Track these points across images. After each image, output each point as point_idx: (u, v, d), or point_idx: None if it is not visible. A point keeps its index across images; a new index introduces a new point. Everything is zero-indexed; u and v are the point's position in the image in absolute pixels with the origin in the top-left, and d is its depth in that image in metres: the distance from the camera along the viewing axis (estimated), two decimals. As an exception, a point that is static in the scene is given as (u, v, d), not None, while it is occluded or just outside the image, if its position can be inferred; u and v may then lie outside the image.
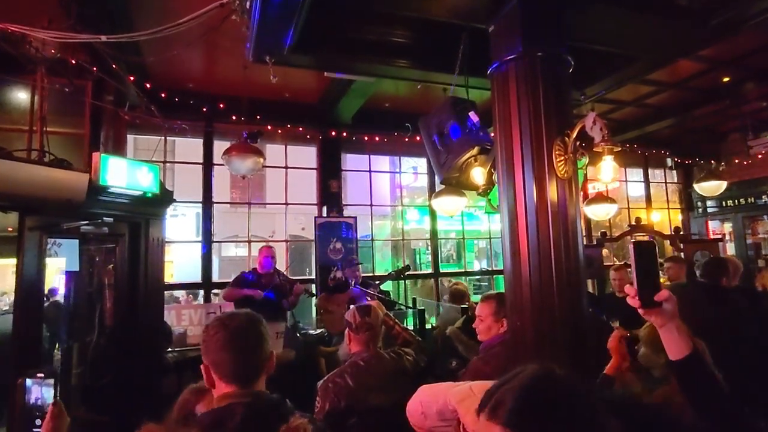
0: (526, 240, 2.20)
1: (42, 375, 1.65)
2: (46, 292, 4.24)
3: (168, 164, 6.48)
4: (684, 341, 1.14)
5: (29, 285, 2.68)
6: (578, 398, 0.89)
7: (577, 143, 2.17)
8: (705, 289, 2.96)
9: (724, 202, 7.78)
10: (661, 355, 1.89)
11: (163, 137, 5.63)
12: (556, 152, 2.17)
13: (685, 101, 6.31)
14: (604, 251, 7.29)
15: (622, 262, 7.49)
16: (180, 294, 9.29)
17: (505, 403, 0.87)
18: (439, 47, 2.95)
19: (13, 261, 2.75)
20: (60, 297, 3.76)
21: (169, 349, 4.54)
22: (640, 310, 1.13)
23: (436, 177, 3.20)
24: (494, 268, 8.68)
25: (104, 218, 3.13)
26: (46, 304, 3.76)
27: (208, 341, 1.30)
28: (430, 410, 1.65)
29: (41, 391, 1.63)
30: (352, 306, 2.40)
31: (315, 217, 6.08)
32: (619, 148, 2.10)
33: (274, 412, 1.22)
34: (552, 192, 2.17)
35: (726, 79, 5.72)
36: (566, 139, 2.17)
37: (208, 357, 1.29)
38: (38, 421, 1.58)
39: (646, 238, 7.55)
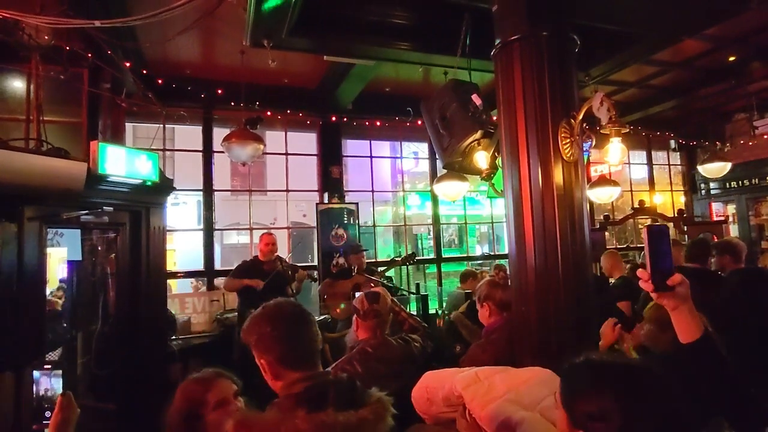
0: (531, 225, 2.17)
1: (50, 367, 1.64)
2: (57, 282, 4.24)
3: (168, 152, 6.43)
4: (696, 324, 1.15)
5: (30, 276, 2.66)
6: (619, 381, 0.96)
7: (584, 125, 2.12)
8: (693, 274, 2.92)
9: (727, 184, 7.73)
10: (668, 333, 1.97)
11: (162, 125, 5.58)
12: (562, 135, 2.13)
13: (690, 81, 6.22)
14: (606, 234, 7.26)
15: (624, 246, 7.49)
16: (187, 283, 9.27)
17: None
18: (441, 29, 2.89)
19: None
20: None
21: (174, 337, 4.56)
22: (653, 294, 1.13)
23: (439, 161, 3.16)
24: (496, 253, 8.67)
25: (104, 207, 3.10)
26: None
27: (265, 337, 1.30)
28: (436, 396, 1.64)
29: (50, 383, 1.61)
30: (360, 292, 2.38)
31: (316, 204, 6.05)
32: (627, 130, 2.05)
33: (353, 387, 1.27)
34: (558, 175, 2.14)
35: (732, 58, 5.62)
36: (572, 121, 2.13)
37: (270, 353, 1.30)
38: (48, 413, 1.56)
39: (649, 221, 7.52)
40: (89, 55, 3.46)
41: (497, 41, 2.38)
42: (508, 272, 4.20)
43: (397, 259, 5.47)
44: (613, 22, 2.97)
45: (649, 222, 8.01)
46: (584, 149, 2.36)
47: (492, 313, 2.36)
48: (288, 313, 1.34)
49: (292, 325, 1.31)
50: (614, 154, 2.11)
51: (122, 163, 3.17)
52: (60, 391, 1.61)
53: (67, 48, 3.30)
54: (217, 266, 6.14)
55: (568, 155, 2.12)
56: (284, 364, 1.29)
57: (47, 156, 2.60)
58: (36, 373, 1.67)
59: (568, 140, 2.12)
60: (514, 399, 1.40)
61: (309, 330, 1.34)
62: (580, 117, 2.09)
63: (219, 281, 6.03)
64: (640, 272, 1.15)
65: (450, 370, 1.71)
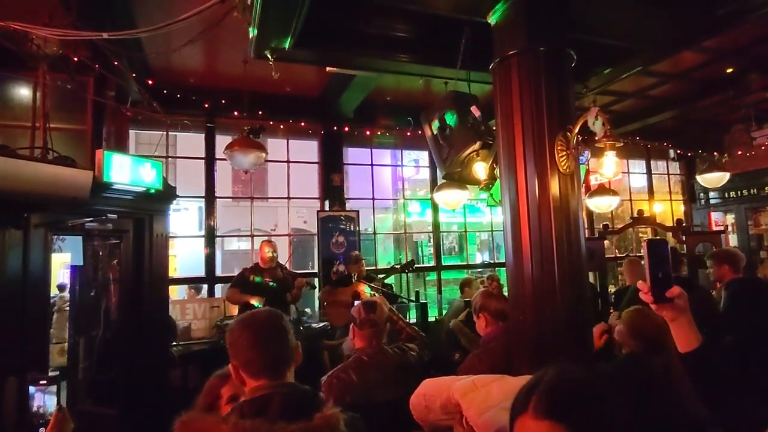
0: (528, 235, 2.21)
1: (45, 382, 1.64)
2: (55, 287, 4.26)
3: (170, 159, 6.49)
4: (694, 334, 1.18)
5: (35, 281, 2.71)
6: (604, 387, 0.96)
7: (579, 138, 2.17)
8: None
9: (726, 194, 7.76)
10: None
11: (165, 132, 5.63)
12: (558, 147, 2.17)
13: (688, 92, 6.27)
14: (606, 243, 7.29)
15: (623, 255, 7.51)
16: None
17: (549, 399, 0.89)
18: (441, 41, 2.94)
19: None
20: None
21: (174, 343, 4.58)
22: (652, 306, 1.16)
23: (438, 171, 3.20)
24: (496, 261, 8.70)
25: (108, 215, 3.16)
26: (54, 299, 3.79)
27: (235, 343, 1.34)
28: (434, 404, 1.67)
29: (43, 399, 1.62)
30: (357, 301, 2.41)
31: (317, 211, 6.09)
32: (621, 144, 2.10)
33: (308, 401, 1.26)
34: (554, 187, 2.18)
35: (729, 70, 5.68)
36: (568, 134, 2.17)
37: (237, 359, 1.34)
38: (42, 430, 1.58)
39: (648, 230, 7.55)
40: (96, 65, 3.52)
41: (496, 55, 2.43)
42: (500, 281, 4.24)
43: (396, 266, 5.51)
44: (610, 36, 3.02)
45: (648, 231, 8.04)
46: (581, 160, 2.40)
47: (488, 323, 2.39)
48: (259, 322, 1.36)
49: (260, 334, 1.33)
50: (608, 167, 2.16)
51: (127, 171, 3.23)
52: (52, 408, 1.63)
53: (75, 58, 3.36)
54: (218, 272, 6.18)
55: (565, 167, 2.16)
56: (248, 371, 1.32)
57: (54, 164, 2.65)
58: (31, 389, 1.68)
59: (564, 153, 2.17)
60: (510, 407, 1.42)
61: (279, 340, 1.35)
62: (576, 130, 2.13)
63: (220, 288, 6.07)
64: (640, 284, 1.19)
65: (448, 378, 1.74)
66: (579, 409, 0.89)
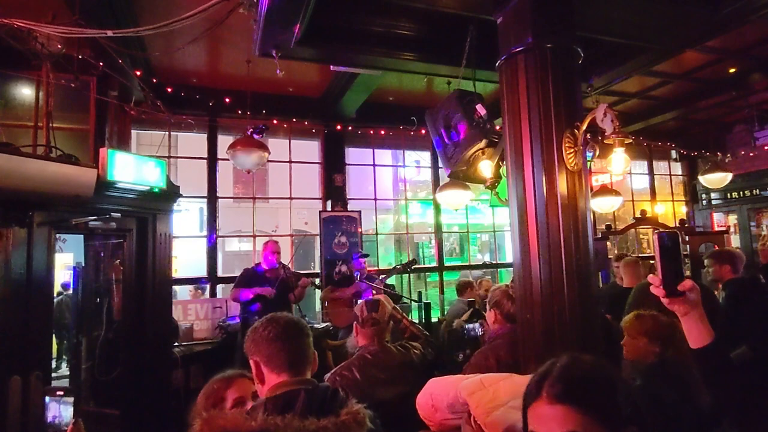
0: (535, 233, 2.19)
1: (62, 393, 1.63)
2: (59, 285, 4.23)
3: (171, 160, 6.47)
4: (706, 330, 1.16)
5: (39, 280, 2.69)
6: (614, 373, 0.97)
7: (587, 135, 2.16)
8: None
9: (728, 194, 7.75)
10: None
11: (167, 132, 5.62)
12: (566, 144, 2.16)
13: (691, 93, 6.27)
14: (608, 244, 7.27)
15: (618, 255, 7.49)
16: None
17: (563, 384, 0.90)
18: (446, 39, 2.94)
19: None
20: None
21: (176, 344, 4.56)
22: (664, 300, 1.14)
23: (443, 170, 3.19)
24: (497, 261, 8.68)
25: (112, 213, 3.14)
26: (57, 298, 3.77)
27: (258, 338, 1.35)
28: (441, 403, 1.66)
29: (59, 410, 1.61)
30: (360, 299, 2.40)
31: (320, 212, 6.08)
32: (631, 140, 2.09)
33: (331, 398, 1.27)
34: (561, 184, 2.17)
35: (732, 70, 5.68)
36: (576, 131, 2.16)
37: (259, 353, 1.35)
38: None
39: (649, 233, 7.53)
40: (100, 63, 3.51)
41: (502, 53, 2.42)
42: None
43: (398, 266, 5.49)
44: (615, 34, 3.01)
45: (650, 232, 8.03)
46: (587, 157, 2.39)
47: (497, 320, 2.38)
48: (284, 319, 1.39)
49: (284, 330, 1.36)
50: (617, 164, 2.14)
51: (131, 169, 3.22)
52: (68, 418, 1.62)
53: (78, 56, 3.35)
54: (220, 273, 6.16)
55: (572, 165, 2.15)
56: (270, 366, 1.32)
57: (58, 162, 2.64)
58: (47, 399, 1.66)
59: (571, 150, 2.15)
60: (518, 406, 1.40)
61: (301, 339, 1.38)
62: (584, 127, 2.12)
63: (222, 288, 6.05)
64: (651, 278, 1.16)
65: (454, 377, 1.72)
66: (593, 393, 0.89)
